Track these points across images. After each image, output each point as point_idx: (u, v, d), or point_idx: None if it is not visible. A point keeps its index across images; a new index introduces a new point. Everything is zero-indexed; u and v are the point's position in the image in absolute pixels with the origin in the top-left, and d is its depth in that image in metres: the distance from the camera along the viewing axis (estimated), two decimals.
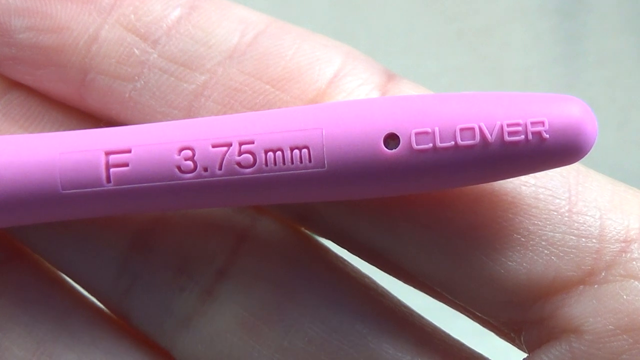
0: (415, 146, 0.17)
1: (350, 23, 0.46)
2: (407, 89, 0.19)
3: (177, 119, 0.19)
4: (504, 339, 0.20)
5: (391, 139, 0.17)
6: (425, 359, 0.20)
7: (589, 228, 0.18)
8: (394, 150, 0.17)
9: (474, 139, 0.17)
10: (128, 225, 0.20)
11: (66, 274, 0.21)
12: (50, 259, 0.21)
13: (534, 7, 0.47)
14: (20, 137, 0.19)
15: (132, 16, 0.19)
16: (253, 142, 0.17)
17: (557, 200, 0.18)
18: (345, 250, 0.20)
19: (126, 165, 0.18)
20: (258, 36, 0.19)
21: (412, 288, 0.20)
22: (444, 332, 0.20)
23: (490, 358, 0.20)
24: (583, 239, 0.18)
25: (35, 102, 0.20)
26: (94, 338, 0.21)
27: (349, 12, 0.46)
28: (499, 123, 0.17)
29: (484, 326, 0.20)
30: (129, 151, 0.18)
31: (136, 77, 0.19)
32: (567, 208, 0.18)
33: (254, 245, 0.20)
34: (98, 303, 0.22)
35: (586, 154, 0.17)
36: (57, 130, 0.20)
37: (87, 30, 0.20)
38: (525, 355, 0.19)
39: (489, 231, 0.18)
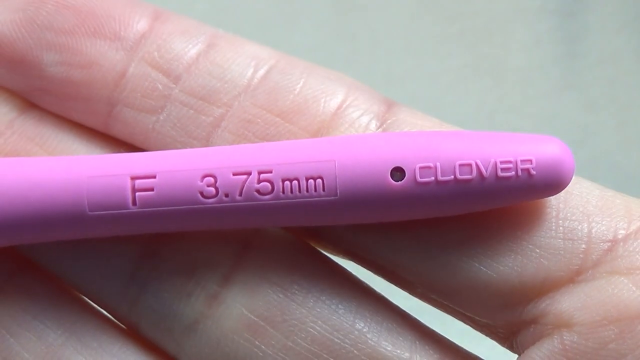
0: (419, 179, 0.18)
1: (351, 23, 0.45)
2: (405, 116, 0.20)
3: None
4: (500, 343, 0.21)
5: (397, 172, 0.18)
6: (423, 355, 0.20)
7: (576, 231, 0.19)
8: (399, 182, 0.18)
9: (471, 174, 0.18)
10: (136, 236, 0.21)
11: (75, 288, 0.21)
12: (59, 272, 0.21)
13: (534, 7, 0.46)
14: (49, 159, 0.19)
15: (156, 53, 0.21)
16: (271, 172, 0.18)
17: (546, 208, 0.19)
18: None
19: (151, 189, 0.19)
20: (269, 71, 0.20)
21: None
22: (440, 334, 0.21)
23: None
24: (570, 242, 0.19)
25: (50, 121, 0.21)
26: (102, 343, 0.21)
27: (350, 13, 0.46)
28: (493, 160, 0.18)
29: (481, 331, 0.21)
30: (154, 177, 0.19)
31: (159, 110, 0.20)
32: (554, 214, 0.19)
33: (258, 251, 0.21)
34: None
35: (565, 187, 0.19)
36: (71, 147, 0.21)
37: (115, 67, 0.20)
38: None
39: (481, 239, 0.19)
